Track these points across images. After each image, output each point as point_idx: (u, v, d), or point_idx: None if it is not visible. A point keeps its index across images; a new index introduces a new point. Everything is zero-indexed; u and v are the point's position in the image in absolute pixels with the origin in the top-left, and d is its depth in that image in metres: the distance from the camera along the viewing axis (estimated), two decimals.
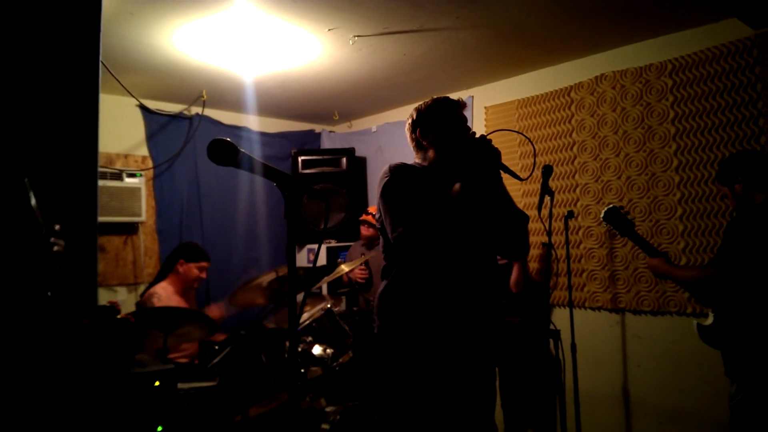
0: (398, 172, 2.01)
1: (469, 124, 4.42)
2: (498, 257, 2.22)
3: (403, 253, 1.97)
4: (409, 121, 2.15)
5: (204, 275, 3.50)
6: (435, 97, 2.14)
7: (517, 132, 2.52)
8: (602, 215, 2.68)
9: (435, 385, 1.95)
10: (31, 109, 1.66)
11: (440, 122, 2.07)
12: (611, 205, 2.68)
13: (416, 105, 2.16)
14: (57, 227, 1.33)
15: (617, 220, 2.65)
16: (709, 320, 2.38)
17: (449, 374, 1.95)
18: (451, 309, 1.96)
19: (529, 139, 2.24)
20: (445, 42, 3.19)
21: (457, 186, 1.89)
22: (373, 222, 3.77)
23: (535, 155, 2.09)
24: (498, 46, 3.30)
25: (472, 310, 1.99)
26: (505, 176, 1.98)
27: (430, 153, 2.08)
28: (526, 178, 1.96)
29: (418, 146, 2.12)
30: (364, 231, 4.05)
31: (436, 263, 1.96)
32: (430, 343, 1.95)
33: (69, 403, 1.40)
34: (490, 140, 1.90)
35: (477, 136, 1.93)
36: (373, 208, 4.09)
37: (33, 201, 1.26)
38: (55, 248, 1.26)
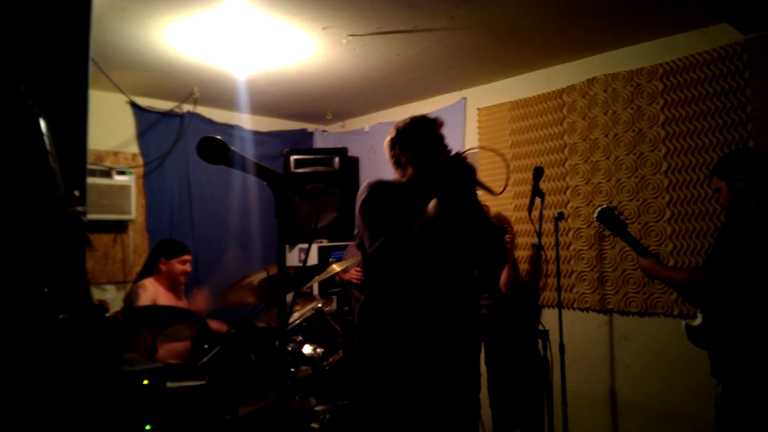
0: (376, 188, 2.09)
1: (461, 125, 4.44)
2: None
3: (381, 265, 2.03)
4: (388, 138, 2.22)
5: (189, 268, 3.47)
6: (413, 116, 2.21)
7: (491, 149, 2.63)
8: (595, 215, 2.68)
9: (414, 397, 1.99)
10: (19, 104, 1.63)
11: (418, 140, 2.13)
12: (605, 206, 2.69)
13: (397, 122, 2.24)
14: (77, 192, 1.18)
15: (610, 221, 2.65)
16: (698, 321, 2.40)
17: (428, 386, 2.00)
18: (428, 323, 2.01)
19: (502, 155, 2.29)
20: (439, 42, 3.19)
21: (433, 202, 1.94)
22: None
23: (508, 171, 2.17)
24: (492, 47, 3.32)
25: (449, 324, 2.04)
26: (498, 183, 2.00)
27: (409, 170, 2.15)
28: (500, 193, 2.04)
29: (397, 163, 2.20)
30: None
31: (412, 277, 2.02)
32: (408, 357, 2.00)
33: (57, 401, 1.38)
34: (465, 157, 1.96)
35: (453, 153, 1.98)
36: None
37: (52, 158, 1.04)
38: (81, 217, 1.09)
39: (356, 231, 2.13)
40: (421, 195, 2.02)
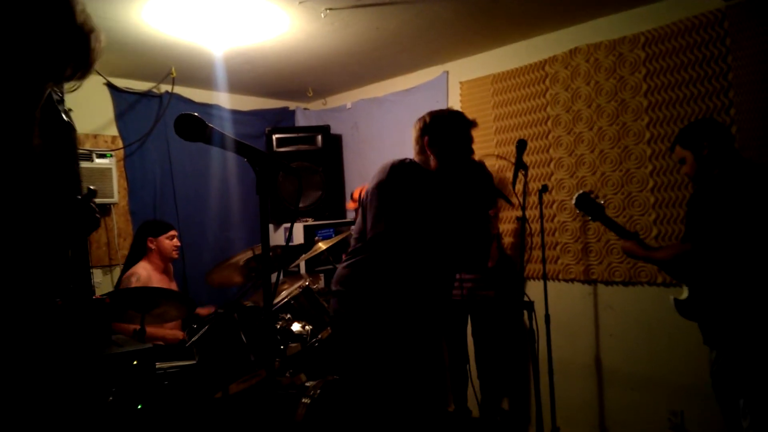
0: (398, 173, 2.10)
1: (444, 99, 4.42)
2: None
3: (375, 250, 2.11)
4: (420, 124, 2.23)
5: (178, 243, 3.49)
6: (450, 108, 2.34)
7: (503, 158, 2.70)
8: (573, 202, 2.72)
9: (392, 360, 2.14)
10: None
11: (449, 138, 2.18)
12: (581, 192, 2.73)
13: (434, 111, 2.27)
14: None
15: (588, 206, 2.69)
16: (684, 294, 2.44)
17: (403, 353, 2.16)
18: (410, 304, 2.16)
19: (512, 203, 2.53)
20: (419, 15, 3.15)
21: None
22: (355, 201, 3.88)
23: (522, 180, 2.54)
24: (472, 19, 3.28)
25: (429, 307, 2.22)
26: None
27: (432, 161, 2.20)
28: (516, 205, 2.44)
29: (421, 150, 2.23)
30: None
31: (403, 265, 2.13)
32: (388, 330, 2.14)
33: (48, 384, 1.38)
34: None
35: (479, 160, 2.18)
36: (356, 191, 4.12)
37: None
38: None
39: (363, 198, 2.18)
40: (444, 189, 2.13)
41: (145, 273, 3.29)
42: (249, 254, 3.17)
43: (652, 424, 3.15)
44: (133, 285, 3.16)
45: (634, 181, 3.20)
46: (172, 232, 3.46)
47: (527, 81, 3.68)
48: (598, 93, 3.33)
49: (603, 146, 3.32)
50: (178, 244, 3.50)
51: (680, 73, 3.02)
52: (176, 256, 3.48)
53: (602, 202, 2.74)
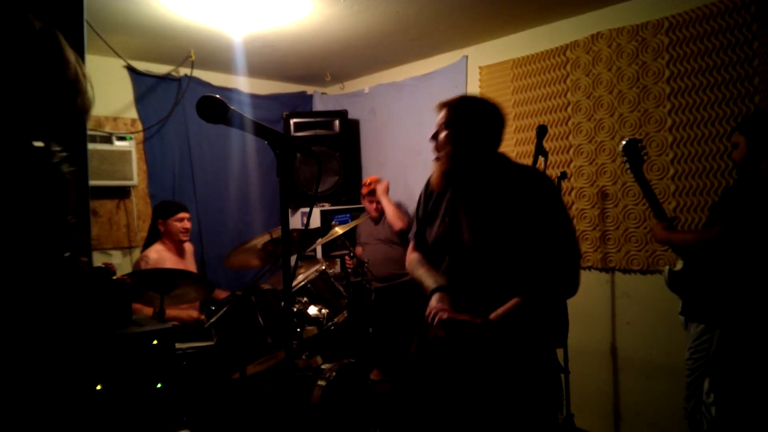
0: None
1: (463, 84, 4.38)
2: None
3: None
4: None
5: (187, 225, 3.49)
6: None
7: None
8: (622, 145, 2.74)
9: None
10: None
11: None
12: (632, 137, 2.74)
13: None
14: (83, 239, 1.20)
15: (633, 153, 2.70)
16: (679, 266, 2.48)
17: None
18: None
19: None
20: None
21: None
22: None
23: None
24: (492, 3, 3.24)
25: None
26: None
27: None
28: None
29: None
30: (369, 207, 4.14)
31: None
32: None
33: (69, 363, 1.41)
34: None
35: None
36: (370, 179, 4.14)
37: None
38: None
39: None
40: None
41: (156, 256, 3.33)
42: (267, 237, 3.19)
43: (667, 412, 3.14)
44: (142, 268, 3.21)
45: (655, 168, 3.15)
46: (182, 214, 3.45)
47: (548, 66, 3.63)
48: (620, 79, 3.28)
49: (624, 133, 3.27)
50: (188, 226, 3.48)
51: (704, 59, 2.96)
52: (184, 238, 3.48)
53: (645, 157, 2.76)
